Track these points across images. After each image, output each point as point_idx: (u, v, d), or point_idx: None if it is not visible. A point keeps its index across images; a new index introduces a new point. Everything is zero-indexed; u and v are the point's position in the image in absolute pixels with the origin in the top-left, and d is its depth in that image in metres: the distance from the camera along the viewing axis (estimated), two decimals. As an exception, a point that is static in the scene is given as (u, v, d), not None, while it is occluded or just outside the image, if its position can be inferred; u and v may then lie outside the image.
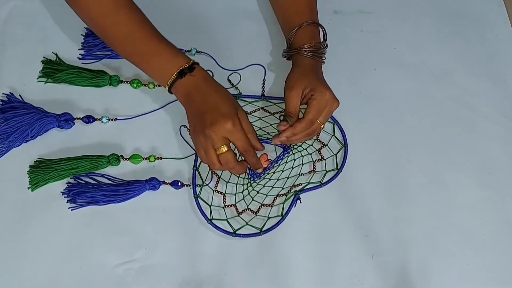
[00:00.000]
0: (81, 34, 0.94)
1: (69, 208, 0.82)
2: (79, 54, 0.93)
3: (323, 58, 0.88)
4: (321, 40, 0.88)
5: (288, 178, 0.87)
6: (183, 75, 0.79)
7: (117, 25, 0.81)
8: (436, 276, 0.81)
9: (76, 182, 0.84)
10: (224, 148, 0.78)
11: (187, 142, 0.87)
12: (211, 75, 0.83)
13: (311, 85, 0.83)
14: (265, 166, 0.85)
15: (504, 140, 0.91)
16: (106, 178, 0.84)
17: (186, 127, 0.86)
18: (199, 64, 0.81)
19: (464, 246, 0.83)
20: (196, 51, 0.94)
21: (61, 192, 0.83)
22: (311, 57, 0.85)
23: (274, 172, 0.87)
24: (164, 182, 0.84)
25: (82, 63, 0.92)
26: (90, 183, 0.84)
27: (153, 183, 0.83)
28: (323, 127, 0.85)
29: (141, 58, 0.82)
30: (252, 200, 0.85)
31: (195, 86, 0.80)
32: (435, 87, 0.95)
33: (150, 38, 0.81)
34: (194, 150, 0.85)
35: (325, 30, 0.88)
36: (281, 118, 0.89)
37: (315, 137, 0.89)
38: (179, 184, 0.84)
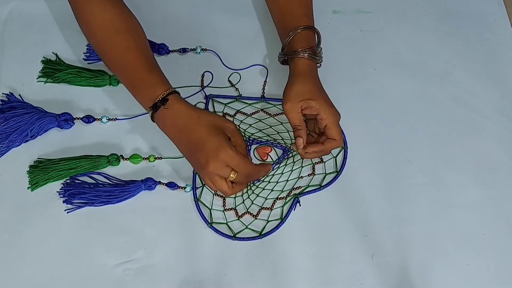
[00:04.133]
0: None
1: (65, 210, 0.82)
2: (84, 55, 0.93)
3: (319, 60, 0.86)
4: (316, 45, 0.87)
5: (287, 181, 0.86)
6: (156, 108, 0.79)
7: (110, 51, 0.83)
8: (436, 276, 0.81)
9: (72, 182, 0.83)
10: (233, 175, 0.77)
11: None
12: (211, 76, 0.82)
13: (313, 99, 0.81)
14: (268, 152, 0.87)
15: (504, 140, 0.91)
16: (103, 176, 0.84)
17: None
18: (179, 94, 0.80)
19: (464, 246, 0.83)
20: (202, 49, 0.94)
21: (57, 192, 0.83)
22: (307, 58, 0.84)
23: (273, 175, 0.86)
24: (160, 183, 0.84)
25: (88, 63, 0.92)
26: (86, 183, 0.84)
27: (149, 184, 0.83)
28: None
29: (130, 86, 0.83)
30: (252, 203, 0.85)
31: (172, 121, 0.79)
32: (435, 87, 0.95)
33: (136, 67, 0.81)
34: None
35: (319, 35, 0.87)
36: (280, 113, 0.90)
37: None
38: (175, 186, 0.84)
